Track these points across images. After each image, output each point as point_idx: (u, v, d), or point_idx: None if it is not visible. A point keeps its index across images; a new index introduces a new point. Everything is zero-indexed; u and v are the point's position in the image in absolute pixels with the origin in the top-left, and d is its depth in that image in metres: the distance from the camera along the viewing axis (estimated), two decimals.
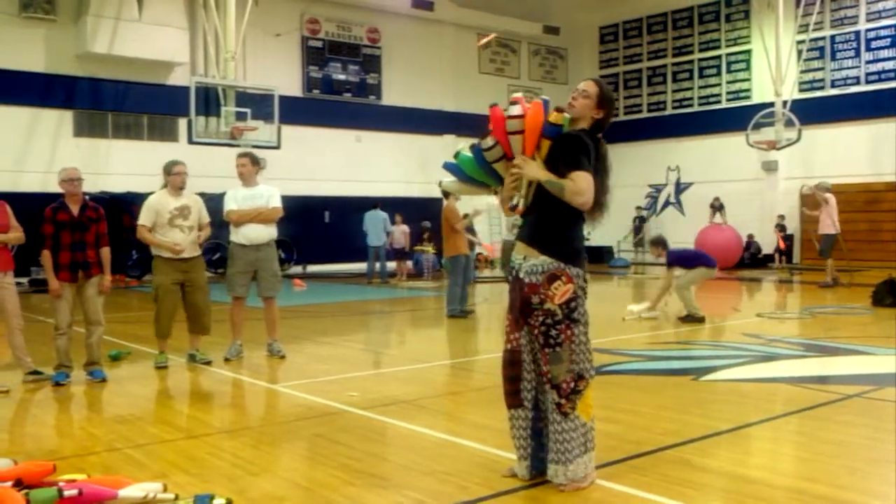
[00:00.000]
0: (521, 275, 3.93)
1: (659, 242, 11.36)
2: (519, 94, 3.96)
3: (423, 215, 21.59)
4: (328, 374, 7.19)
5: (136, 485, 3.73)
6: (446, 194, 11.05)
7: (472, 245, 12.86)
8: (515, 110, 3.81)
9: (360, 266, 19.64)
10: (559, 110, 3.83)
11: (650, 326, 10.26)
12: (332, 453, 4.59)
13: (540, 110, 3.84)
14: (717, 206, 22.49)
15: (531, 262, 3.90)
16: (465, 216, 11.76)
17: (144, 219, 7.45)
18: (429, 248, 19.88)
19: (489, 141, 3.89)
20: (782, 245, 22.16)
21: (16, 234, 6.76)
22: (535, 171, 3.82)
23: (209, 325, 7.79)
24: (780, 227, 22.44)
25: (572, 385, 3.85)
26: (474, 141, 4.08)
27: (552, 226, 3.91)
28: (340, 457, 4.51)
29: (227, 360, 7.81)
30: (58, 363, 6.88)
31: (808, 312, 11.53)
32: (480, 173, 4.09)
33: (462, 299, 11.40)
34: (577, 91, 3.99)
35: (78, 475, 3.93)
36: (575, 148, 3.82)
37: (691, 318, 10.43)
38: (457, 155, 4.12)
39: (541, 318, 3.85)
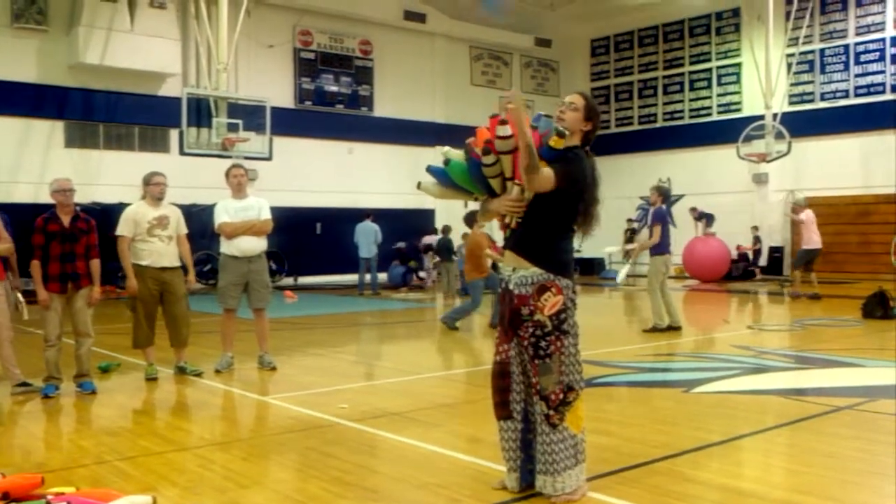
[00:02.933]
0: (511, 286, 3.93)
1: (662, 192, 11.26)
2: (511, 105, 3.89)
3: (414, 227, 21.64)
4: (319, 386, 7.17)
5: (125, 498, 3.71)
6: (470, 223, 11.17)
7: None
8: (505, 131, 3.73)
9: (352, 278, 19.64)
10: (560, 135, 3.75)
11: (642, 338, 10.27)
12: (322, 466, 4.58)
13: (534, 137, 3.74)
14: (696, 217, 22.40)
15: (520, 273, 3.90)
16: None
17: (123, 229, 7.43)
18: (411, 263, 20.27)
19: (492, 157, 3.84)
20: (750, 248, 22.27)
21: (5, 245, 6.73)
22: (527, 135, 3.65)
23: (188, 337, 7.75)
24: (756, 239, 22.51)
25: (561, 396, 3.84)
26: (460, 146, 4.05)
27: (542, 237, 3.91)
28: (331, 469, 4.50)
29: (217, 371, 7.77)
30: (47, 375, 6.84)
31: (798, 324, 11.56)
32: (469, 183, 4.05)
33: (496, 314, 11.30)
34: (564, 105, 4.00)
35: (66, 488, 3.90)
36: (575, 164, 3.83)
37: (652, 329, 10.53)
38: (447, 162, 4.06)
39: (530, 330, 3.85)
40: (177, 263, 7.62)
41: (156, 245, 7.44)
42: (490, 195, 4.06)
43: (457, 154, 4.03)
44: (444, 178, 4.14)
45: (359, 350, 10.34)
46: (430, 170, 4.20)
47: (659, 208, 11.04)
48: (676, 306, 11.18)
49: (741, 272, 21.95)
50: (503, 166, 3.86)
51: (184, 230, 7.72)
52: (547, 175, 3.73)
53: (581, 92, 4.11)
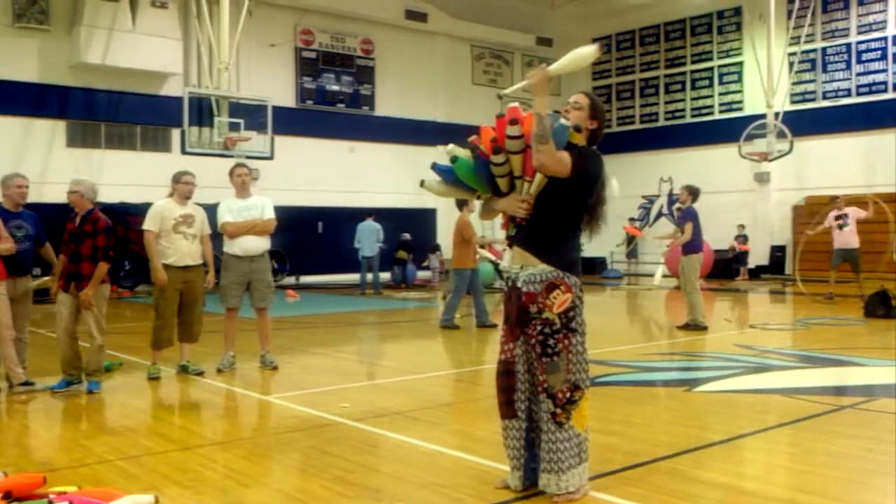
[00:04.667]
0: (519, 284, 3.92)
1: (692, 191, 11.21)
2: (515, 105, 3.86)
3: (416, 225, 21.63)
4: (321, 385, 7.17)
5: (127, 497, 3.71)
6: (460, 206, 11.14)
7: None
8: (515, 131, 3.74)
9: (353, 277, 19.66)
10: (577, 129, 3.82)
11: (644, 337, 10.26)
12: (324, 465, 4.58)
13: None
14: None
15: (529, 271, 3.90)
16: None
17: (150, 224, 7.51)
18: (404, 255, 20.33)
19: (502, 156, 3.83)
20: (741, 247, 22.14)
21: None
22: (544, 102, 3.71)
23: (199, 334, 7.83)
24: (742, 238, 22.38)
25: (568, 395, 3.84)
26: (466, 144, 4.04)
27: (550, 235, 3.90)
28: (333, 468, 4.50)
29: (219, 371, 7.78)
30: (62, 370, 6.98)
31: (800, 323, 11.55)
32: (474, 181, 4.05)
33: (482, 312, 11.36)
34: (569, 104, 4.00)
35: (69, 487, 3.90)
36: (590, 159, 3.85)
37: (696, 326, 10.51)
38: (454, 160, 4.02)
39: (539, 328, 3.84)
40: (199, 261, 7.69)
41: (180, 243, 7.50)
42: (495, 193, 4.05)
43: (463, 152, 4.02)
44: (450, 175, 4.12)
45: (361, 349, 10.34)
46: (435, 168, 4.19)
47: (690, 207, 11.05)
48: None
49: (735, 272, 21.99)
50: (512, 165, 3.87)
51: (208, 230, 7.79)
52: (563, 157, 3.74)
53: (585, 91, 4.12)
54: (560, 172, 3.76)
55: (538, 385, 3.88)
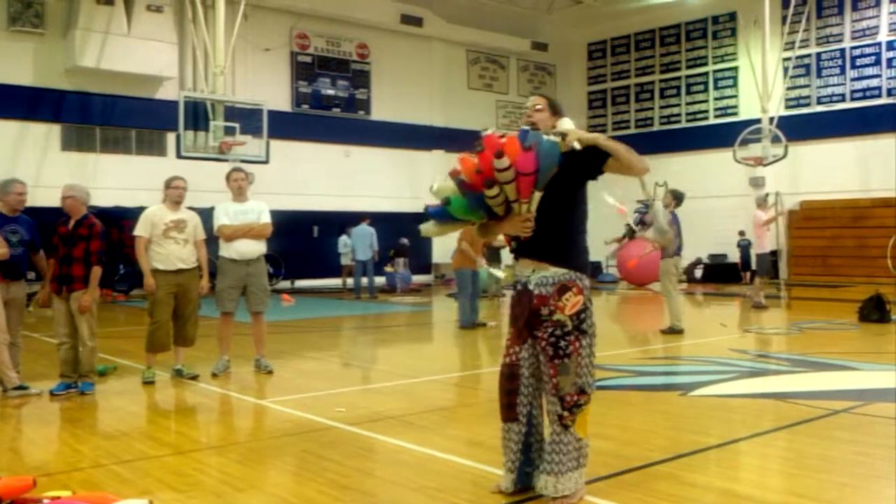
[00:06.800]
0: (531, 287, 3.90)
1: (676, 195, 11.21)
2: (490, 132, 3.77)
3: (412, 231, 21.65)
4: (316, 389, 7.17)
5: (121, 502, 3.69)
6: None
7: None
8: (502, 164, 3.65)
9: (348, 281, 19.67)
10: (562, 136, 3.79)
11: (638, 342, 10.27)
12: (319, 469, 4.57)
13: (530, 156, 3.69)
14: (638, 221, 21.77)
15: (541, 274, 3.89)
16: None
17: (141, 230, 7.52)
18: (400, 260, 20.38)
19: (495, 189, 3.78)
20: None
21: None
22: (585, 135, 3.79)
23: (194, 338, 7.83)
24: (745, 243, 22.34)
25: (575, 398, 3.84)
26: (457, 149, 4.02)
27: (562, 237, 3.91)
28: (328, 472, 4.49)
29: (214, 375, 7.76)
30: (60, 373, 7.01)
31: (795, 328, 11.57)
32: (471, 214, 4.00)
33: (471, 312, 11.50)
34: (528, 109, 4.05)
35: (62, 492, 3.88)
36: (597, 154, 3.86)
37: (671, 331, 10.54)
38: (447, 201, 3.92)
39: (549, 330, 3.84)
40: (192, 265, 7.68)
41: (171, 247, 7.51)
42: (490, 218, 4.03)
43: (449, 188, 3.93)
44: (444, 216, 4.06)
45: (355, 353, 10.33)
46: (429, 212, 4.11)
47: (672, 213, 11.07)
48: (683, 310, 11.17)
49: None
50: (507, 193, 3.82)
51: (201, 235, 7.79)
52: (637, 158, 3.95)
53: (540, 94, 4.20)
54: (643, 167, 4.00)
55: (550, 387, 3.86)
